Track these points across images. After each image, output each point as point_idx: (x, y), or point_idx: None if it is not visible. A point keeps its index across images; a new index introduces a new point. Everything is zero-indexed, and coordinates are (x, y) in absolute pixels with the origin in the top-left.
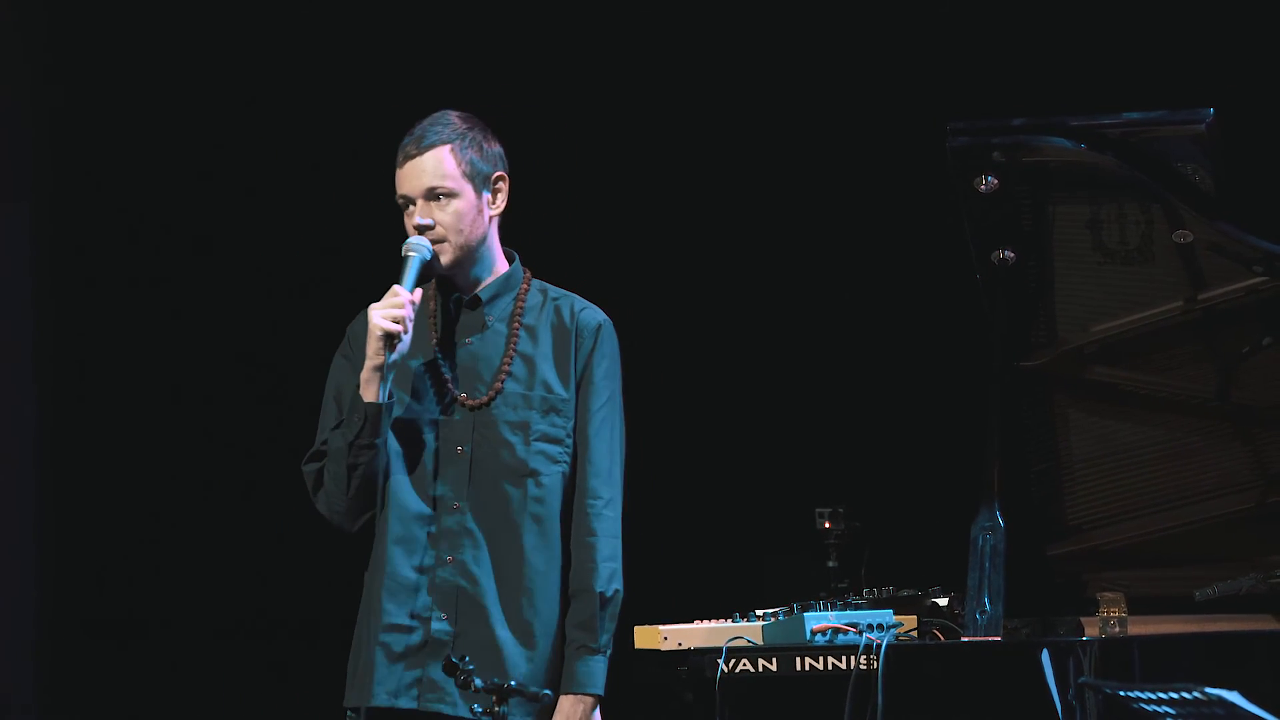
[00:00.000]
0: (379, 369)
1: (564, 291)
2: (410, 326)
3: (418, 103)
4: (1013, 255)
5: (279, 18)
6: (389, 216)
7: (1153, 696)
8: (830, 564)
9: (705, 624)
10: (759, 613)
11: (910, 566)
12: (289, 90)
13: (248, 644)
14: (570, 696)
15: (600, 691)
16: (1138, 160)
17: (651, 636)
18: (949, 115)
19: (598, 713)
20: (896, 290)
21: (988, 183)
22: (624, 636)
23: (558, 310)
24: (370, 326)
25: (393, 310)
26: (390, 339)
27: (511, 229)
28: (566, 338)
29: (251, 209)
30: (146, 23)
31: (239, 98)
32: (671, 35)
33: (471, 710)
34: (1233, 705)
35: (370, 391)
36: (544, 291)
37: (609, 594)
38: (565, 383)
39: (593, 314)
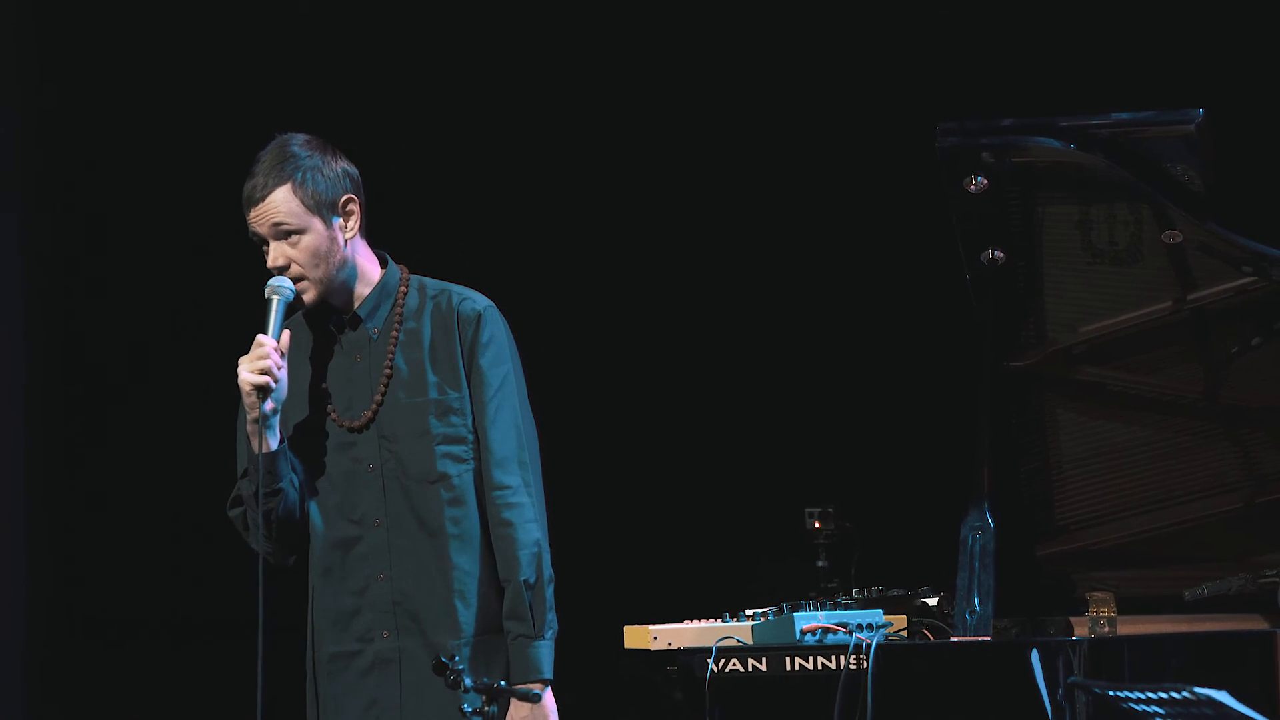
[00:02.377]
0: (258, 421)
1: (444, 285)
2: (280, 374)
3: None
4: (1002, 255)
5: (268, 25)
6: (387, 222)
7: (1142, 696)
8: (820, 564)
9: (695, 624)
10: (749, 612)
11: (900, 566)
12: (279, 98)
13: (242, 644)
14: (520, 686)
15: (547, 675)
16: (1127, 160)
17: (641, 636)
18: (938, 115)
19: (549, 694)
20: (886, 290)
21: (977, 183)
22: (614, 636)
23: (437, 306)
24: (240, 382)
25: (259, 363)
26: (262, 391)
27: (500, 229)
28: (450, 333)
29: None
30: (134, 32)
31: (229, 107)
32: (667, 34)
33: (461, 710)
34: (1222, 705)
35: (257, 443)
36: (422, 290)
37: (533, 580)
38: (456, 380)
39: (472, 303)
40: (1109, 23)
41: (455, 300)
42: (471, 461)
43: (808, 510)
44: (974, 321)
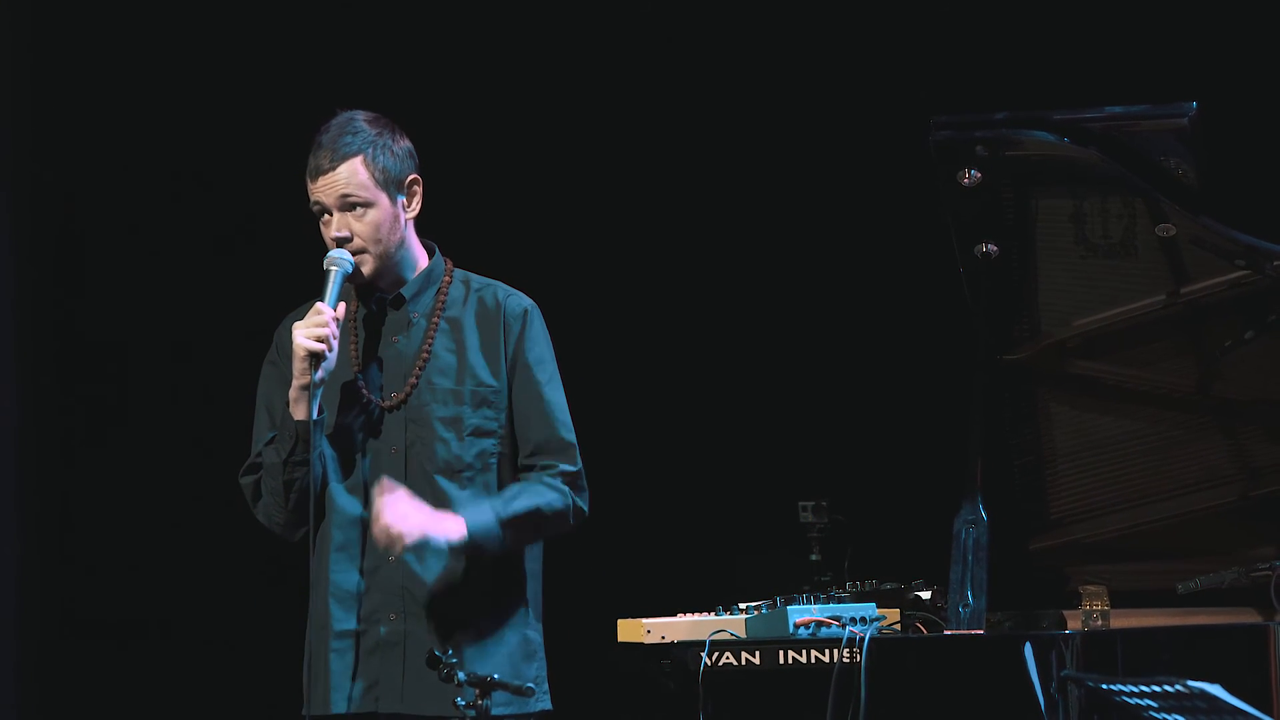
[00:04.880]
0: (305, 388)
1: (487, 280)
2: (335, 344)
3: (392, 96)
4: (995, 249)
5: (261, 12)
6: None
7: (1135, 690)
8: (813, 557)
9: (688, 617)
10: (742, 606)
11: (893, 560)
12: (271, 81)
13: (235, 646)
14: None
15: (472, 536)
16: (1120, 154)
17: (635, 630)
18: (932, 109)
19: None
20: (880, 284)
21: (971, 176)
22: (608, 630)
23: (481, 300)
24: (294, 346)
25: (316, 329)
26: (315, 358)
27: (495, 225)
28: (494, 327)
29: (238, 202)
30: (126, 10)
31: (220, 87)
32: (657, 32)
33: (454, 705)
34: (1215, 698)
35: (299, 410)
36: (466, 282)
37: (547, 510)
38: (495, 373)
39: (518, 300)
40: (1103, 16)
41: (501, 296)
42: (499, 453)
43: (801, 503)
44: (967, 315)
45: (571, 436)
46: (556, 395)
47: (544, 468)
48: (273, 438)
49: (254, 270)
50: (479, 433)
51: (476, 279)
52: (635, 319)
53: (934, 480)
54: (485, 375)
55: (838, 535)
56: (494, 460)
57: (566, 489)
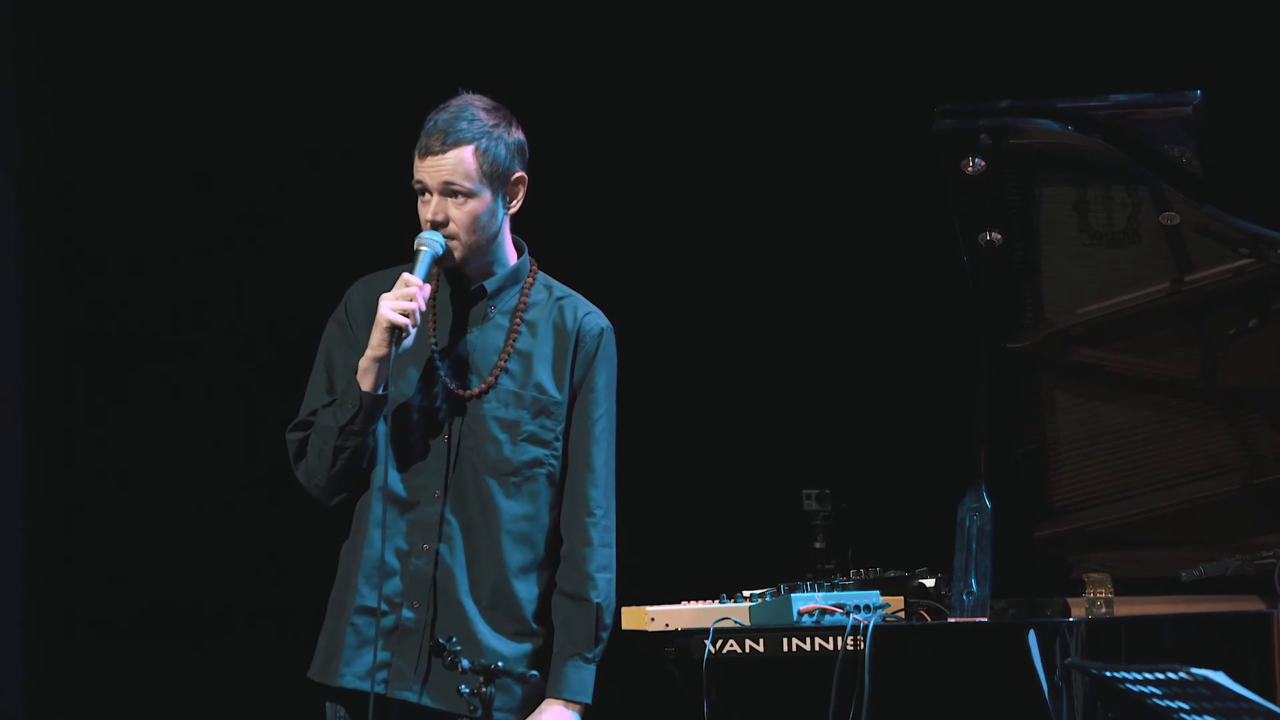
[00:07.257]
0: (380, 360)
1: (569, 291)
2: (418, 320)
3: (421, 96)
4: (999, 237)
5: (258, 11)
6: (376, 210)
7: (1139, 677)
8: (817, 545)
9: (692, 605)
10: (746, 594)
11: (897, 548)
12: (280, 69)
13: (236, 642)
14: (560, 702)
15: (590, 700)
16: (1124, 142)
17: (639, 617)
18: (936, 97)
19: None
20: (884, 272)
21: (975, 165)
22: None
23: (561, 310)
24: (378, 317)
25: (403, 303)
26: (397, 332)
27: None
28: (567, 340)
29: (243, 190)
30: (127, 5)
31: (228, 71)
32: (653, 26)
33: (458, 691)
34: (1218, 685)
35: (368, 381)
36: (549, 288)
37: (606, 605)
38: (560, 385)
39: (596, 319)
40: (1107, 4)
41: (581, 311)
42: (549, 467)
43: (805, 491)
44: (971, 303)
45: (608, 472)
46: (610, 425)
47: (590, 504)
48: (332, 401)
49: (256, 268)
50: (534, 440)
51: (559, 287)
52: (636, 309)
53: (938, 468)
54: (550, 385)
55: (841, 523)
56: (543, 473)
57: (601, 546)
